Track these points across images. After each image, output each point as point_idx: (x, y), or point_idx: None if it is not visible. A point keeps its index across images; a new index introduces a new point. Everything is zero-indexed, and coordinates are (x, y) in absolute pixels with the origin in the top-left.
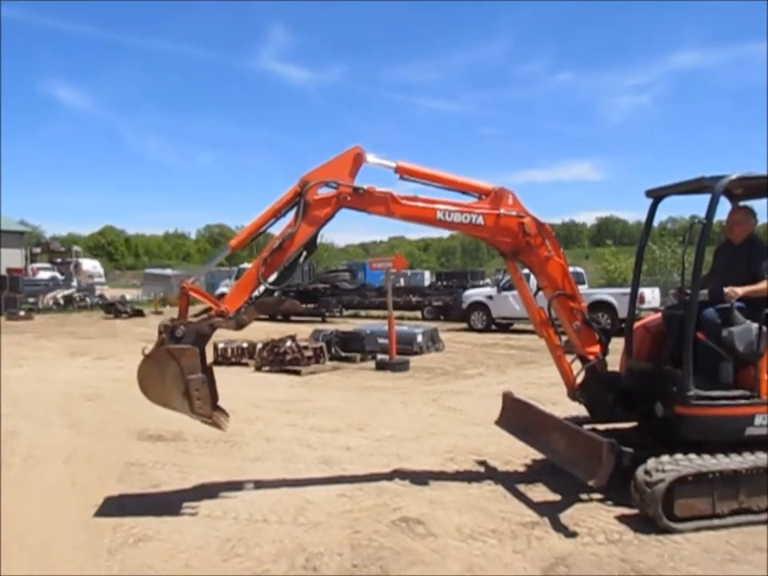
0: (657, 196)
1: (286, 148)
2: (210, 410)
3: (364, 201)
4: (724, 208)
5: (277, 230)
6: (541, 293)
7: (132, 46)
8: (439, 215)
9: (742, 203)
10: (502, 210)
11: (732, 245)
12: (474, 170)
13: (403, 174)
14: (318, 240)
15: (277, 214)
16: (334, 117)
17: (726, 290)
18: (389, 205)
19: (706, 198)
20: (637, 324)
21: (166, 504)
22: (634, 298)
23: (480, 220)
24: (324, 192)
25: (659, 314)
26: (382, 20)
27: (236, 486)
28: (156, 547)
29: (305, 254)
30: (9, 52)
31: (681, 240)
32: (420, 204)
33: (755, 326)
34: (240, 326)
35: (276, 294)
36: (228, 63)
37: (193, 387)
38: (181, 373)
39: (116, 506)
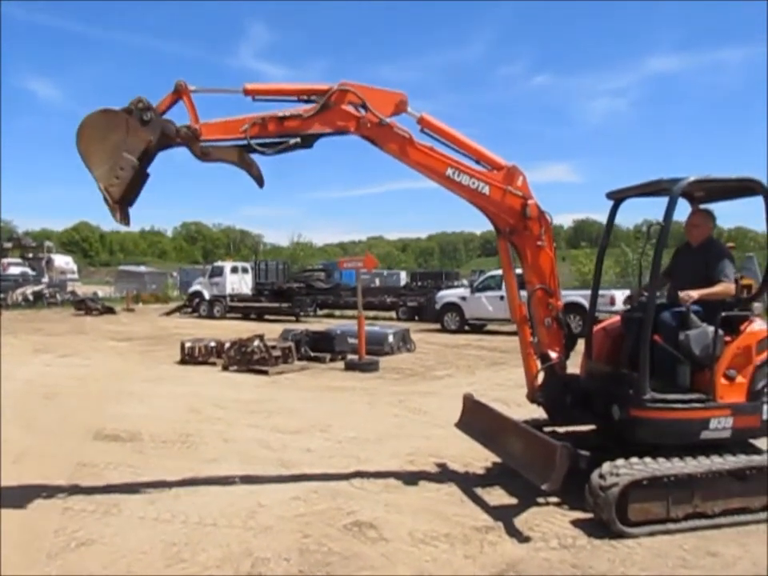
0: (617, 198)
1: None
2: (119, 195)
3: (382, 134)
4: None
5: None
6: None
7: (108, 40)
8: (449, 171)
9: (702, 206)
10: (509, 187)
11: (690, 247)
12: None
13: (425, 126)
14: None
15: (300, 95)
16: None
17: (682, 294)
18: (405, 146)
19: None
20: (597, 327)
21: (114, 506)
22: (594, 300)
23: (486, 190)
24: (350, 108)
25: (618, 317)
26: (361, 18)
27: (184, 485)
28: (98, 551)
29: (298, 141)
30: None
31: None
32: (434, 155)
33: (711, 329)
34: (203, 154)
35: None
36: (207, 60)
37: (120, 164)
38: (122, 145)
39: (61, 509)
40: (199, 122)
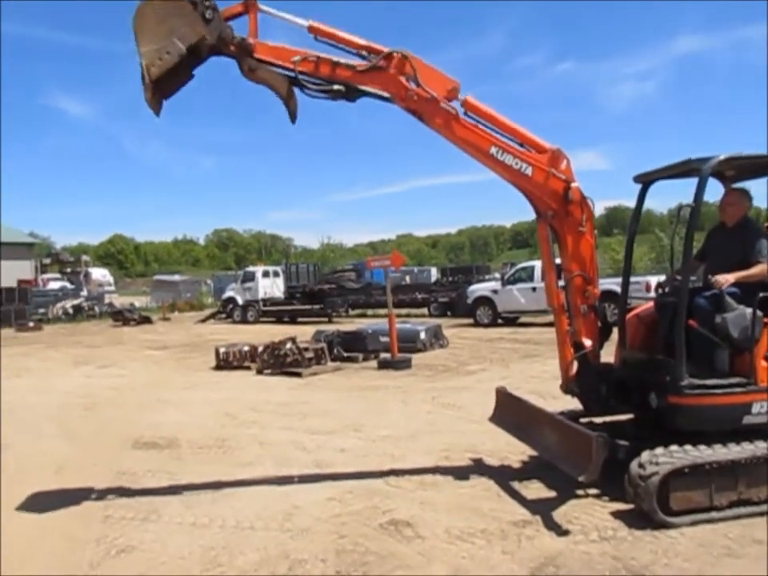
0: (645, 181)
1: (288, 149)
2: (157, 75)
3: (428, 108)
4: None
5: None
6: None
7: (128, 53)
8: (493, 150)
9: (736, 185)
10: (552, 170)
11: (725, 227)
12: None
13: (468, 109)
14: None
15: (361, 50)
16: (334, 115)
17: (717, 277)
18: (450, 122)
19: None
20: (630, 314)
21: (153, 513)
22: (626, 288)
23: (529, 171)
24: (402, 79)
25: (652, 303)
26: (378, 18)
27: (221, 489)
28: (137, 558)
29: (342, 90)
30: (9, 65)
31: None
32: (479, 132)
33: (749, 311)
34: (250, 70)
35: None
36: (227, 65)
37: (168, 48)
38: (176, 32)
39: (102, 517)
40: (257, 39)
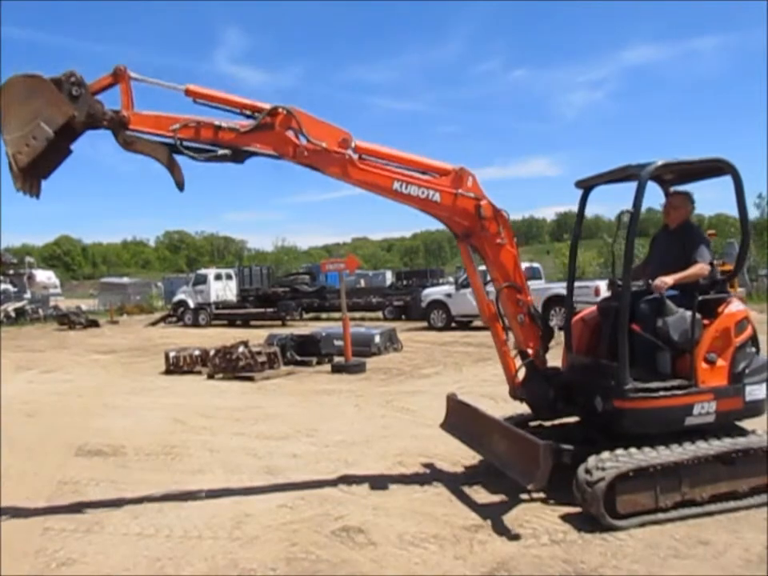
0: (586, 186)
1: None
2: (25, 163)
3: (321, 159)
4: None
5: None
6: (490, 287)
7: (82, 50)
8: (396, 185)
9: (681, 188)
10: (459, 191)
11: (668, 230)
12: None
13: (361, 153)
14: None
15: (243, 109)
16: None
17: (656, 282)
18: (347, 167)
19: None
20: (575, 317)
21: (96, 524)
22: (571, 292)
23: (437, 197)
24: (290, 134)
25: (596, 307)
26: (337, 21)
27: (173, 499)
28: (79, 571)
29: (228, 153)
30: None
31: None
32: (378, 171)
33: (689, 314)
34: (126, 143)
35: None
36: (181, 66)
37: (34, 134)
38: (42, 114)
39: (41, 529)
40: (131, 110)
